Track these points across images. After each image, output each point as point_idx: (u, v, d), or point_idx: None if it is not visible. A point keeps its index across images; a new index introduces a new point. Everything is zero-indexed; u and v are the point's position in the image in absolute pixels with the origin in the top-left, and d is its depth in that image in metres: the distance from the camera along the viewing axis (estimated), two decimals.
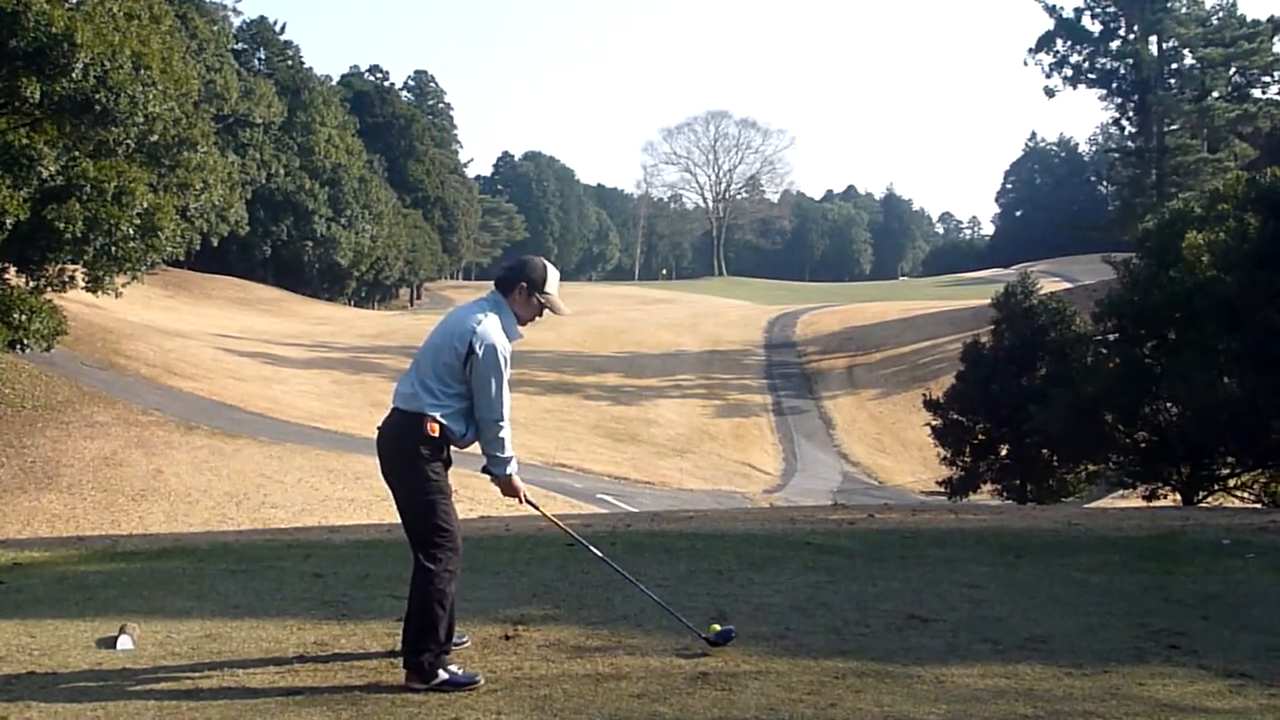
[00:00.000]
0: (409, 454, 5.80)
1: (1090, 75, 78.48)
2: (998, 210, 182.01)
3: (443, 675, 5.56)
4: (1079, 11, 77.88)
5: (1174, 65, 76.74)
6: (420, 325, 75.84)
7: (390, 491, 5.91)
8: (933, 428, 37.12)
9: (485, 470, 5.94)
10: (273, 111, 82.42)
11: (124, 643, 6.45)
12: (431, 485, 5.77)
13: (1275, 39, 71.57)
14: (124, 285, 33.44)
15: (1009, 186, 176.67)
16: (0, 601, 8.07)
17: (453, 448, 5.88)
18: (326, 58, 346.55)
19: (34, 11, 25.38)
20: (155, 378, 44.39)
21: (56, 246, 28.38)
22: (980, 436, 35.74)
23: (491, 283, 6.13)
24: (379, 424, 5.98)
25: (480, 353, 5.66)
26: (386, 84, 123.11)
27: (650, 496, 37.00)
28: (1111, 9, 76.98)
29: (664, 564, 9.24)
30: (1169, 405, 26.50)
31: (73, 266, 30.88)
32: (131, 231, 29.02)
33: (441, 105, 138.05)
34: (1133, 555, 10.24)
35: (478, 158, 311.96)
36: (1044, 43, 78.59)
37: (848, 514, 16.16)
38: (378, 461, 5.94)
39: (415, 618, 5.66)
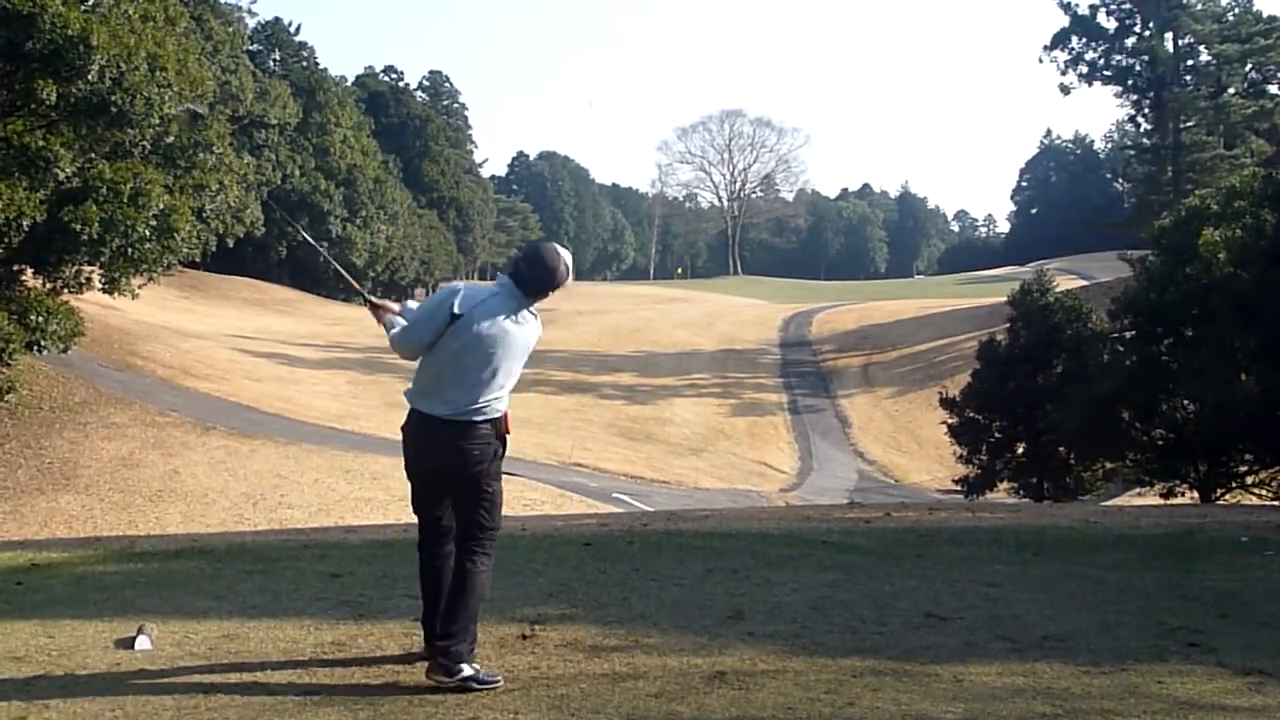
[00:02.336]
0: None
1: (1105, 72, 78.33)
2: (1013, 208, 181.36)
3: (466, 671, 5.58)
4: (1094, 8, 77.73)
5: (1190, 62, 76.56)
6: None
7: None
8: (949, 426, 37.15)
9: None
10: (288, 112, 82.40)
11: (142, 643, 6.46)
12: (408, 473, 6.04)
13: None
14: (140, 287, 33.52)
15: (1024, 184, 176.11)
16: (19, 602, 8.10)
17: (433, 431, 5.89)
18: (341, 58, 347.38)
19: (50, 14, 25.44)
20: (172, 379, 44.51)
21: (73, 248, 28.46)
22: (997, 434, 35.78)
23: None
24: None
25: None
26: (401, 84, 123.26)
27: (666, 495, 37.00)
28: (1127, 6, 76.83)
29: (681, 563, 9.24)
30: (1186, 402, 26.48)
31: (89, 268, 30.96)
32: (147, 233, 29.08)
33: (456, 105, 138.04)
34: (1150, 553, 10.22)
35: (492, 158, 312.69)
36: (1059, 40, 78.46)
37: (864, 512, 16.16)
38: None
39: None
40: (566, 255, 6.00)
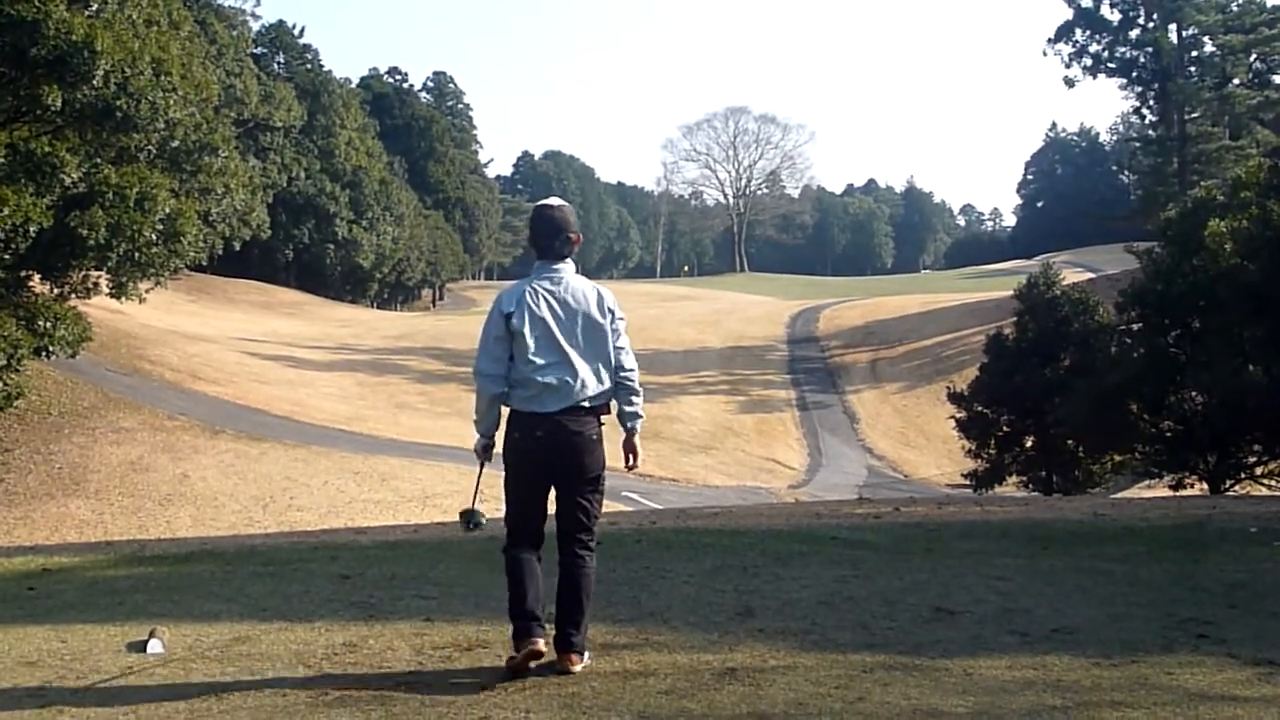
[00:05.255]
0: None
1: (1110, 64, 78.27)
2: (1019, 201, 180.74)
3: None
4: (1098, 1, 77.61)
5: (1194, 53, 76.51)
6: (443, 326, 75.96)
7: None
8: (957, 420, 37.11)
9: None
10: (293, 115, 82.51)
11: (154, 646, 6.48)
12: (509, 478, 5.95)
13: None
14: (147, 291, 33.65)
15: (1030, 177, 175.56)
16: (31, 607, 8.12)
17: (526, 426, 5.85)
18: (345, 60, 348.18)
19: (54, 20, 25.49)
20: (180, 383, 44.56)
21: (80, 253, 28.55)
22: (1005, 428, 35.74)
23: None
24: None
25: None
26: (405, 86, 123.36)
27: (675, 493, 37.02)
28: None
29: (690, 560, 9.24)
30: (1194, 394, 26.46)
31: (97, 273, 31.06)
32: (154, 237, 29.17)
33: (461, 106, 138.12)
34: (1159, 545, 10.21)
35: (498, 158, 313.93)
36: (1063, 32, 78.40)
37: (873, 508, 16.15)
38: None
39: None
40: (554, 200, 6.13)
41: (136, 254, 29.29)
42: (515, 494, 5.91)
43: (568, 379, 5.74)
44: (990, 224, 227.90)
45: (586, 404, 5.80)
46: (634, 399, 6.01)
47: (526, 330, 5.73)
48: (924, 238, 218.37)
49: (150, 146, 30.57)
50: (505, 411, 5.89)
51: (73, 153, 27.22)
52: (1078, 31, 78.11)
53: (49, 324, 28.09)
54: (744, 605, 7.43)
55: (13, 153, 26.08)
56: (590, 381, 5.80)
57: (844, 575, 8.57)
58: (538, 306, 5.76)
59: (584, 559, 5.90)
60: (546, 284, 5.82)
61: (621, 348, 5.95)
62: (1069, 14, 78.51)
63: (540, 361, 5.72)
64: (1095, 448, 32.02)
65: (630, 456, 6.07)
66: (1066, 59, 78.64)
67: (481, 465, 6.08)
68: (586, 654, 5.85)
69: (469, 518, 6.24)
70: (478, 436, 5.97)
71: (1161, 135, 77.38)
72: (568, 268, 5.93)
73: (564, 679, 5.63)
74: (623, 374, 5.93)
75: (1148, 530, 11.28)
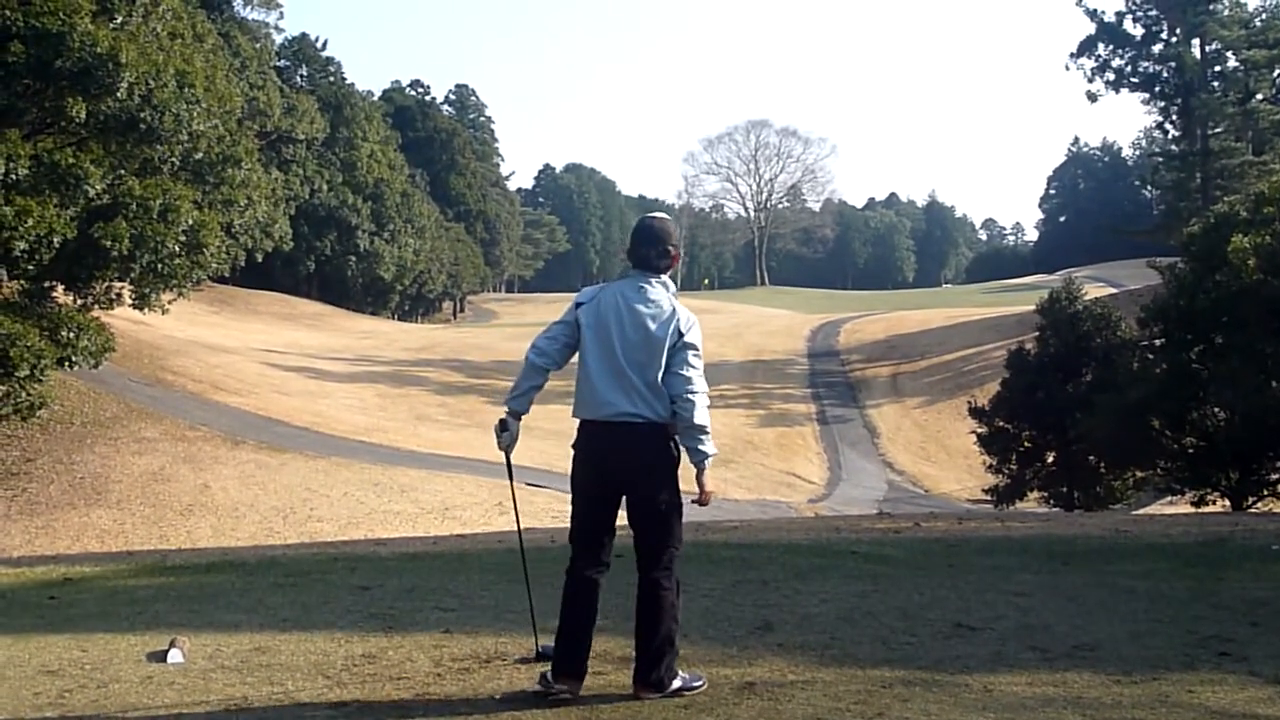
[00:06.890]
0: None
1: (1133, 79, 77.90)
2: (1041, 216, 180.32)
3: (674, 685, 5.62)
4: (1120, 15, 77.38)
5: (1217, 68, 76.07)
6: (463, 338, 76.07)
7: None
8: (978, 435, 37.00)
9: None
10: (315, 128, 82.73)
11: (174, 656, 6.50)
12: (573, 489, 5.87)
13: None
14: (170, 302, 33.73)
15: (1052, 192, 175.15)
16: (52, 616, 8.16)
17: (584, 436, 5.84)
18: (368, 73, 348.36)
19: (79, 32, 25.64)
20: (202, 393, 44.66)
21: (103, 264, 28.67)
22: (1026, 444, 35.62)
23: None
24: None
25: None
26: (428, 98, 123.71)
27: (694, 507, 36.90)
28: (1153, 12, 76.43)
29: (709, 574, 9.23)
30: (1216, 410, 26.35)
31: (120, 284, 31.16)
32: (177, 248, 29.28)
33: (482, 119, 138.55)
34: (1181, 561, 10.17)
35: (519, 170, 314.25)
36: (1085, 47, 78.07)
37: (893, 523, 16.12)
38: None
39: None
40: (659, 213, 6.05)
41: (159, 265, 29.40)
42: (575, 506, 5.81)
43: (610, 386, 5.62)
44: (1012, 238, 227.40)
45: (639, 419, 5.61)
46: (696, 435, 5.71)
47: (585, 325, 5.69)
48: (945, 252, 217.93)
49: (174, 158, 30.69)
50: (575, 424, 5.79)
51: (97, 164, 27.32)
52: (1100, 46, 77.81)
53: (72, 334, 28.19)
54: (763, 619, 7.42)
55: (37, 164, 26.21)
56: (636, 396, 5.60)
57: (863, 590, 8.56)
58: (605, 306, 5.69)
59: (656, 584, 5.73)
60: (627, 289, 5.72)
61: (684, 375, 5.64)
62: (1091, 28, 78.21)
63: (590, 362, 5.69)
64: (1117, 464, 31.92)
65: (700, 493, 5.88)
66: (1089, 73, 78.34)
67: (507, 458, 5.97)
68: (678, 680, 5.61)
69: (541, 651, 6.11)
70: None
71: (1184, 150, 77.01)
72: (658, 282, 5.77)
73: (583, 691, 5.62)
74: (678, 404, 5.63)
75: (1169, 547, 11.23)
